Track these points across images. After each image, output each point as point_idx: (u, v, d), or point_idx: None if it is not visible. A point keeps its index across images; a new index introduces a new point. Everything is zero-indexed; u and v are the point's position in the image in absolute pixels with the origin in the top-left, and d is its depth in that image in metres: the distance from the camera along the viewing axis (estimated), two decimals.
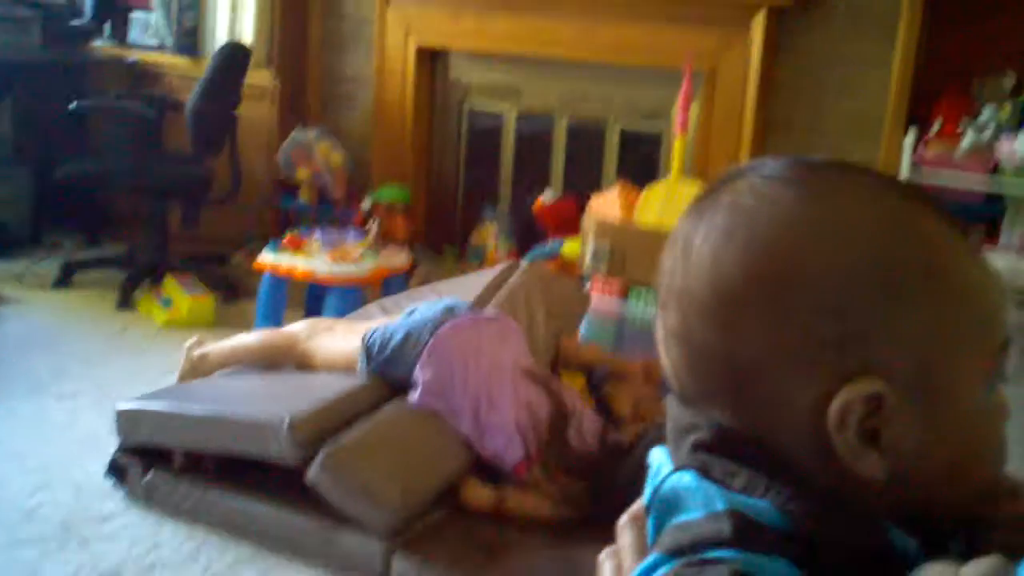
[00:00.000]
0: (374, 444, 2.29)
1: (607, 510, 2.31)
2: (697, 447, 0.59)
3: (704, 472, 0.58)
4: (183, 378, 2.84)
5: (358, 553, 2.15)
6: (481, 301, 2.88)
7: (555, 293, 2.94)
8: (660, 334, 0.64)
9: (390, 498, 2.19)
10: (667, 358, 0.63)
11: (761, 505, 0.55)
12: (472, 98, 4.35)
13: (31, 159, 4.40)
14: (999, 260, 3.18)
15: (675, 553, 0.54)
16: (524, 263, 3.71)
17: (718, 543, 0.53)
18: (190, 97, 3.99)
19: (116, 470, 2.46)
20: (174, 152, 4.24)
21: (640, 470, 2.24)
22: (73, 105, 3.91)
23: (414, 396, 2.42)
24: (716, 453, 0.58)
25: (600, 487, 2.25)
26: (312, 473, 2.19)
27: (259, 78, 4.27)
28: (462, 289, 3.04)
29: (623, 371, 2.61)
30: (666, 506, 0.59)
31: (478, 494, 2.27)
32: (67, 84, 4.39)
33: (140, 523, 2.34)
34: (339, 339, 2.70)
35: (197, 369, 2.83)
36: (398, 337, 2.50)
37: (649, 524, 0.61)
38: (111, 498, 2.44)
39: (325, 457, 2.19)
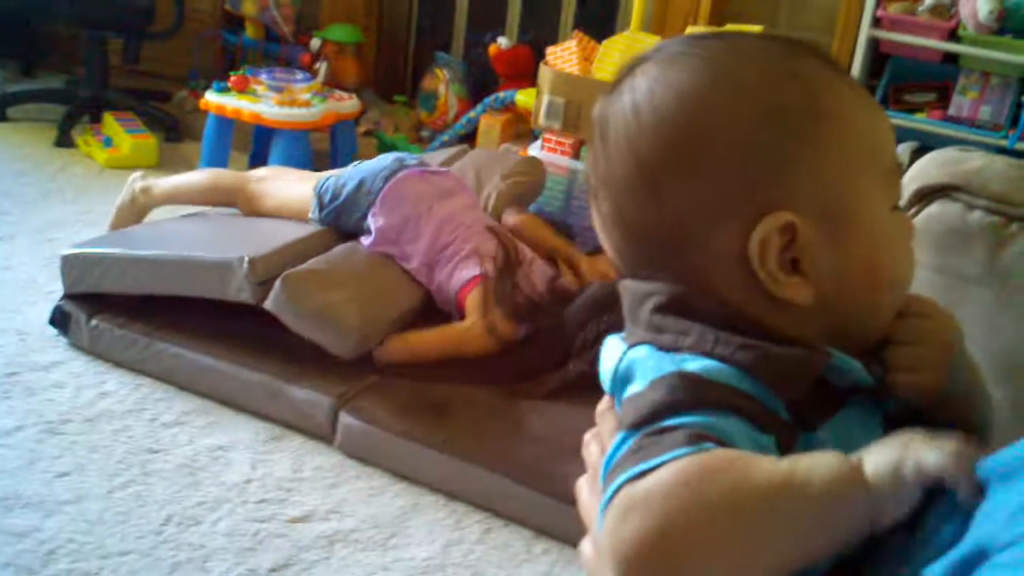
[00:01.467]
0: (332, 273, 2.34)
1: (545, 352, 2.33)
2: (654, 310, 0.63)
3: (658, 335, 0.62)
4: (121, 209, 2.83)
5: (306, 407, 2.18)
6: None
7: (509, 161, 2.90)
8: (598, 223, 0.70)
9: (349, 322, 2.23)
10: (609, 244, 0.69)
11: (711, 364, 0.58)
12: None
13: None
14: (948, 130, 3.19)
15: (636, 426, 0.57)
16: (477, 111, 3.65)
17: (673, 407, 0.56)
18: None
19: (60, 319, 2.43)
20: None
21: (584, 311, 2.25)
22: None
23: (367, 242, 2.48)
24: (671, 314, 0.63)
25: (542, 326, 2.32)
26: (272, 298, 2.22)
27: None
28: None
29: (571, 260, 2.58)
30: (623, 382, 0.62)
31: (396, 345, 2.30)
32: None
33: (85, 372, 2.33)
34: (292, 184, 2.71)
35: (137, 202, 2.82)
36: (351, 184, 2.54)
37: (616, 407, 0.64)
38: (55, 346, 2.41)
39: (284, 281, 2.22)
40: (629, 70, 0.68)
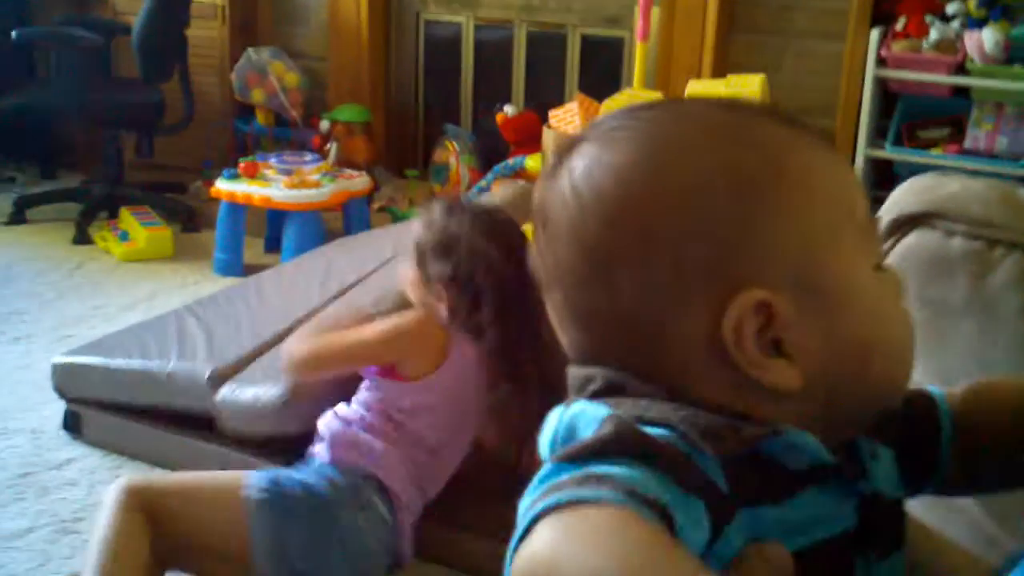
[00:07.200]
0: None
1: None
2: (594, 395, 0.58)
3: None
4: None
5: None
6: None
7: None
8: (553, 316, 0.63)
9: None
10: (565, 337, 0.63)
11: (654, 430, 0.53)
12: (428, 8, 4.21)
13: None
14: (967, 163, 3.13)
15: (569, 460, 0.50)
16: (488, 178, 3.65)
17: (618, 442, 0.50)
18: (137, 20, 3.86)
19: (72, 421, 2.42)
20: (124, 79, 4.12)
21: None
22: (15, 33, 3.77)
23: None
24: (612, 396, 0.57)
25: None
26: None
27: None
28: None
29: None
30: (566, 440, 0.57)
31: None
32: (6, 10, 4.24)
33: (99, 468, 2.31)
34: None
35: None
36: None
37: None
38: (69, 443, 2.40)
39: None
40: (565, 151, 0.62)
